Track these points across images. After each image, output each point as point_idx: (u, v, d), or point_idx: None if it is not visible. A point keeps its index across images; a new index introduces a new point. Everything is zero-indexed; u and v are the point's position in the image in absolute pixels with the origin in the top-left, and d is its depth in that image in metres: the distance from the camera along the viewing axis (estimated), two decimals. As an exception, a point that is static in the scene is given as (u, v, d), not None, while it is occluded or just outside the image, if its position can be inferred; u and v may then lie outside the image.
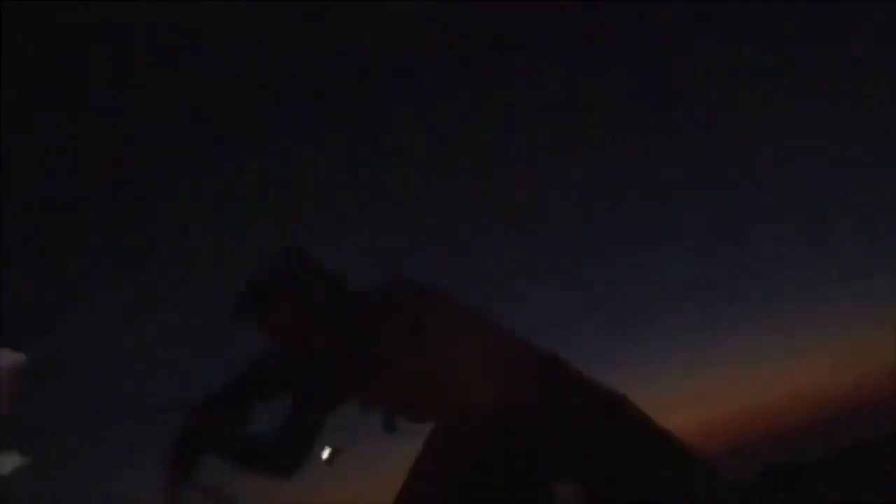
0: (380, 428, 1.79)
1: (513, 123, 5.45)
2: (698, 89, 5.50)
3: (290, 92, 5.07)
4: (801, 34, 5.26)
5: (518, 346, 1.75)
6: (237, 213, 5.15)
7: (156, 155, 5.10)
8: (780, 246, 5.77)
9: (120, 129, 4.82)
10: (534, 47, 5.28)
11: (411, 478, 1.72)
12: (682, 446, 1.66)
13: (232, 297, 1.81)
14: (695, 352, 5.78)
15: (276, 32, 4.62)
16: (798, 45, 5.28)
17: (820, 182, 5.51)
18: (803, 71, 5.32)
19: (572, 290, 5.69)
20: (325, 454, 2.15)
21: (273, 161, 5.17)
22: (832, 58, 5.25)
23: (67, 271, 5.01)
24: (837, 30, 5.17)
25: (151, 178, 5.19)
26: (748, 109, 5.51)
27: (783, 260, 5.70)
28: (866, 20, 4.97)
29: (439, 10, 4.77)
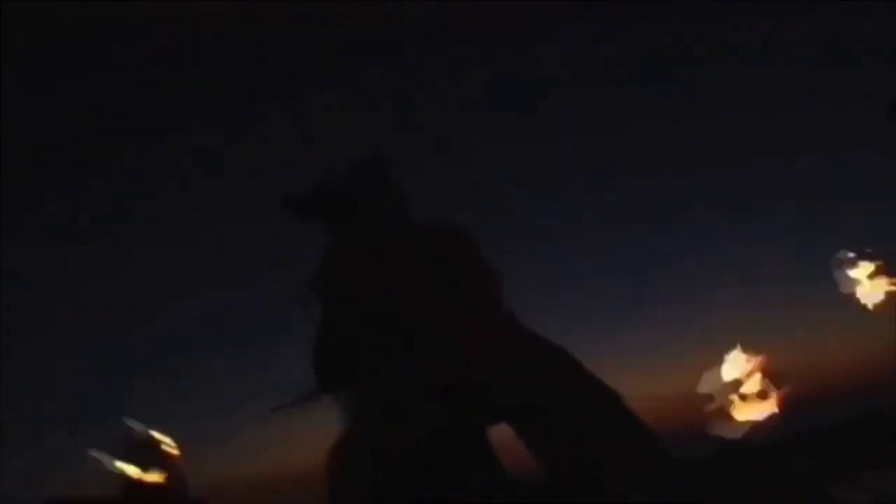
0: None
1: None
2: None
3: (288, 91, 5.07)
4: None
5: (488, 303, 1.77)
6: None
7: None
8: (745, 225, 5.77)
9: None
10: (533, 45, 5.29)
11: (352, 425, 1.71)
12: (625, 405, 1.69)
13: (297, 194, 1.80)
14: (660, 326, 5.77)
15: (277, 32, 4.63)
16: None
17: (813, 165, 5.50)
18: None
19: (535, 260, 5.67)
20: None
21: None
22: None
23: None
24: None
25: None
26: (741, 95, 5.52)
27: (752, 239, 5.68)
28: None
29: (439, 10, 4.78)
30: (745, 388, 1.85)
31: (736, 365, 1.91)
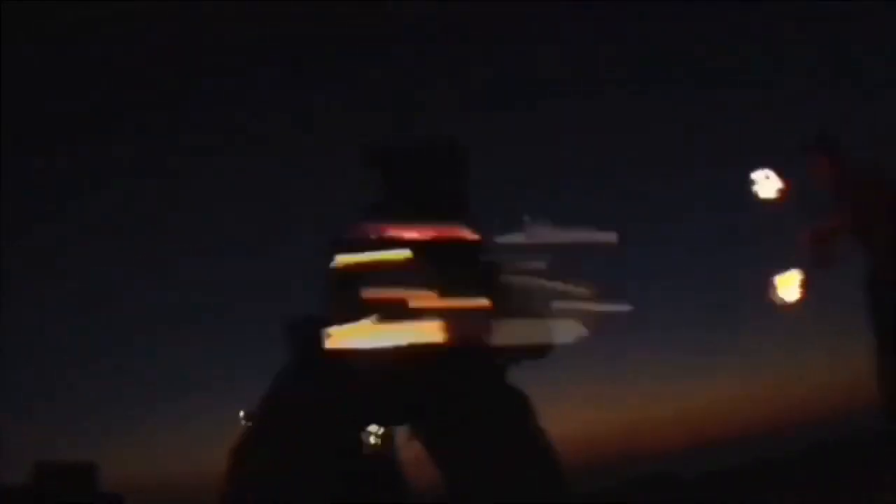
0: None
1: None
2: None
3: (288, 91, 5.07)
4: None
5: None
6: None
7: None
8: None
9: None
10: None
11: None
12: (530, 411, 1.68)
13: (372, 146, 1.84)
14: (660, 326, 5.79)
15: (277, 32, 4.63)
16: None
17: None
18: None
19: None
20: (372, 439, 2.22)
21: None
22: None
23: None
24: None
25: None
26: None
27: (751, 239, 5.68)
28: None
29: (439, 10, 4.78)
30: None
31: None
